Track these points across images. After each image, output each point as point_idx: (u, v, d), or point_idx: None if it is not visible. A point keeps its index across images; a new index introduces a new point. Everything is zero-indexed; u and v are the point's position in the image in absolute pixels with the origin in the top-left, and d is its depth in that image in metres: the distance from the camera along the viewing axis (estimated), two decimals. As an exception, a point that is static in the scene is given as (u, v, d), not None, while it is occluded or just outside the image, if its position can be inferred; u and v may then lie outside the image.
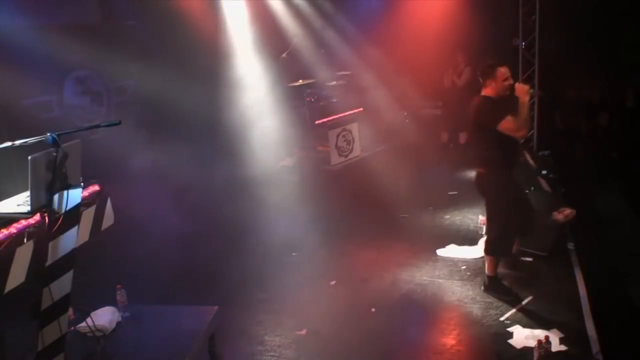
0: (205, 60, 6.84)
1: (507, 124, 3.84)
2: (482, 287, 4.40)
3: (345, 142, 7.11)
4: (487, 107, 3.98)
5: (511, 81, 4.00)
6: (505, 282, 4.40)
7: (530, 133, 7.33)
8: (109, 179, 3.40)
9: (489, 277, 4.36)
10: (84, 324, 3.11)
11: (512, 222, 4.19)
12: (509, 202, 4.14)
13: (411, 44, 8.85)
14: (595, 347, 3.51)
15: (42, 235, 2.46)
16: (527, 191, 4.99)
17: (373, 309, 4.32)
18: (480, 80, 4.15)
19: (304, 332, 4.02)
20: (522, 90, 3.93)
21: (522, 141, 4.18)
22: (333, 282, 4.84)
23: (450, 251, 5.27)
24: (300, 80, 7.20)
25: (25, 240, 2.46)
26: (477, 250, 5.19)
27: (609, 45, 8.11)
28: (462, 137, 9.14)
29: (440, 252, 5.27)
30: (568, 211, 4.29)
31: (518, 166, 4.40)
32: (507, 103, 4.00)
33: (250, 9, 7.45)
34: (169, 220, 6.48)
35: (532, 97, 3.88)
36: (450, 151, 8.99)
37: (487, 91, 4.07)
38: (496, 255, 4.31)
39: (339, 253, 5.41)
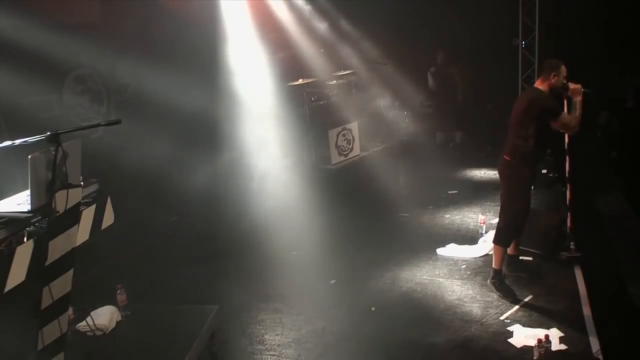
0: (205, 59, 6.83)
1: (565, 119, 3.99)
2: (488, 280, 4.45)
3: (345, 142, 7.10)
4: (550, 100, 4.05)
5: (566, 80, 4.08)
6: (506, 282, 4.40)
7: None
8: (109, 178, 3.40)
9: (494, 269, 4.40)
10: (84, 323, 3.11)
11: (521, 214, 4.29)
12: (525, 194, 4.28)
13: (410, 43, 8.87)
14: (595, 346, 3.51)
15: (42, 235, 2.46)
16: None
17: (373, 308, 4.32)
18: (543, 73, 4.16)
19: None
20: (577, 90, 4.03)
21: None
22: (333, 282, 4.85)
23: (450, 250, 5.27)
24: (300, 80, 7.19)
25: (25, 239, 2.45)
26: (477, 250, 5.20)
27: (609, 44, 8.11)
28: (458, 136, 9.14)
29: (440, 251, 5.28)
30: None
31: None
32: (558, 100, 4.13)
33: (250, 9, 7.45)
34: (168, 219, 6.51)
35: (584, 95, 4.01)
36: (450, 150, 8.99)
37: (542, 85, 4.11)
38: (501, 244, 4.36)
39: (339, 252, 5.40)
